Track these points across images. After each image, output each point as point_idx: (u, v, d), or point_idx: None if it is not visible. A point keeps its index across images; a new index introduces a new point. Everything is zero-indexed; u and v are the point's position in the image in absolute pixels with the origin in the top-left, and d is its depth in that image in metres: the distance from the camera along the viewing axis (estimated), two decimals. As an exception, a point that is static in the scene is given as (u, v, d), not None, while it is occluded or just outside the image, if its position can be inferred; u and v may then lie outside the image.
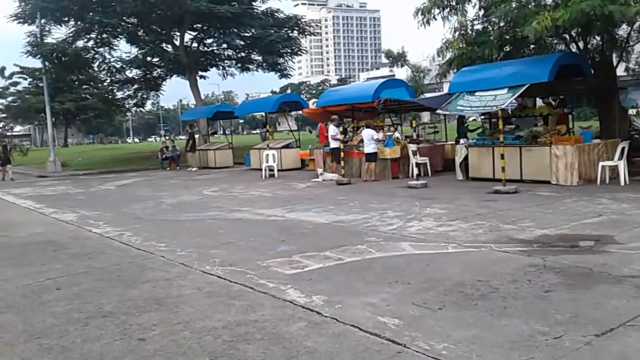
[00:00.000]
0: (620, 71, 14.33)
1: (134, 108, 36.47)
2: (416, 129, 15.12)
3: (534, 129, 12.97)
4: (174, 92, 49.26)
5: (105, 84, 34.40)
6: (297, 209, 10.36)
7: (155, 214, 10.58)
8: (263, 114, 23.18)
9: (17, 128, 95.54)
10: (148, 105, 47.64)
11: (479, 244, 6.55)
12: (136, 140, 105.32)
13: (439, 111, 13.67)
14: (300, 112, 21.49)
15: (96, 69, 31.61)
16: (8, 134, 79.06)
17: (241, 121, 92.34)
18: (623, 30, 13.73)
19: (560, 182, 11.66)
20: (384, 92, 15.97)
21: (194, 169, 23.07)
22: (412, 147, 14.30)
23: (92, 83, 55.94)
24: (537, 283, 4.90)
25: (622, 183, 11.05)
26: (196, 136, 24.20)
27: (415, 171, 13.59)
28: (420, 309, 4.38)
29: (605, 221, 7.56)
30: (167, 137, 29.18)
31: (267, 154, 17.75)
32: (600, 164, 11.56)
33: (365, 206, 10.16)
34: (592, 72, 13.06)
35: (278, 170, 18.05)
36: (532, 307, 4.28)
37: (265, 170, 17.60)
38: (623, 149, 11.30)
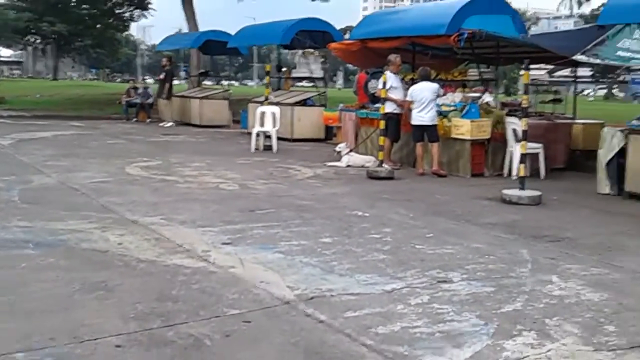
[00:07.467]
0: None
1: (116, 31, 33.47)
2: (526, 92, 10.71)
3: None
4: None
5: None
6: (252, 235, 5.95)
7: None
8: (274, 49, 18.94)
9: (8, 52, 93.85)
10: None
11: None
12: (148, 79, 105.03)
13: (577, 58, 9.06)
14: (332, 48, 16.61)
15: None
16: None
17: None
18: None
19: None
20: (469, 19, 11.48)
21: (169, 123, 19.23)
22: (515, 122, 9.95)
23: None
24: None
25: None
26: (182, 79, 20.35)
27: (518, 168, 9.05)
28: None
29: None
30: (143, 79, 25.62)
31: (263, 112, 13.34)
32: None
33: (403, 247, 5.68)
34: None
35: (282, 140, 13.83)
36: None
37: (259, 137, 13.26)
38: None
